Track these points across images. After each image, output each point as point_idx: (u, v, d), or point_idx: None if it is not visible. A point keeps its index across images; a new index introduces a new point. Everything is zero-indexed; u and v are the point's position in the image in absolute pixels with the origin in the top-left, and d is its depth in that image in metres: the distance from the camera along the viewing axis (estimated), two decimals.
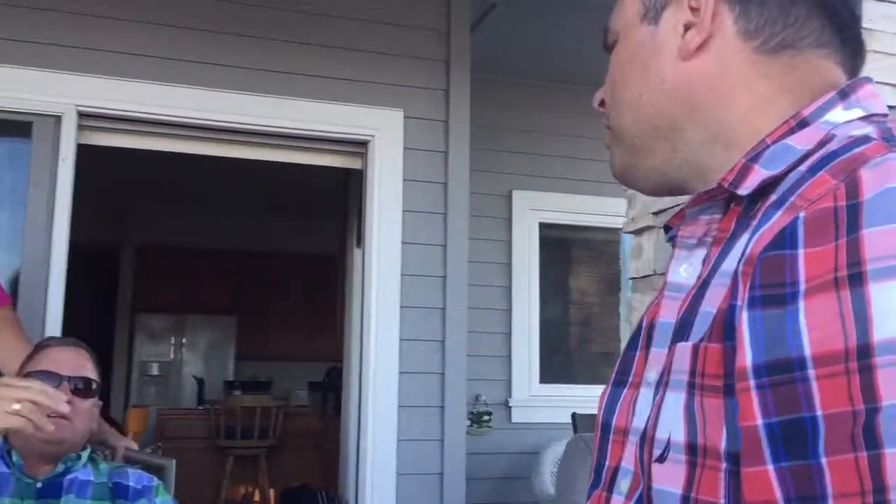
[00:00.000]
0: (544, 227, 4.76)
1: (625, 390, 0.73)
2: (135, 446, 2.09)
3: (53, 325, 2.90)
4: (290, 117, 3.24)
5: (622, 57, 0.78)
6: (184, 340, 7.57)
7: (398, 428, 3.19)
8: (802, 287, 0.53)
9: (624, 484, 0.70)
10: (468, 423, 4.32)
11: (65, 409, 1.45)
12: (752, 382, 0.54)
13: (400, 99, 3.37)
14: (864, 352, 0.50)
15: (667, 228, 0.79)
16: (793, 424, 0.51)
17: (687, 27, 0.72)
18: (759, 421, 0.53)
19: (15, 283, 2.93)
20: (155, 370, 7.37)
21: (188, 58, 3.14)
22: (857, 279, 0.51)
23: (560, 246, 4.99)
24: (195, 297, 7.47)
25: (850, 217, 0.54)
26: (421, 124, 3.40)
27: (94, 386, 1.73)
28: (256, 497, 5.85)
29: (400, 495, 3.16)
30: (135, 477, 1.78)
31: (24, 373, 1.69)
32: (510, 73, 4.58)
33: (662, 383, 0.66)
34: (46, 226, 2.94)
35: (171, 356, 7.51)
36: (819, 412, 0.50)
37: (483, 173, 4.38)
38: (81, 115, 3.03)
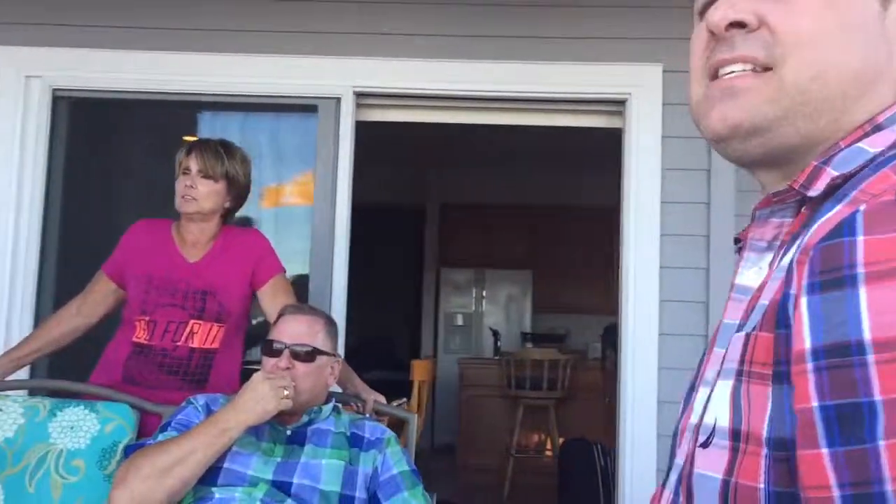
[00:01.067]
0: None
1: (694, 392, 0.75)
2: (383, 400, 2.33)
3: (339, 286, 3.26)
4: (547, 82, 3.30)
5: (835, 10, 0.70)
6: (484, 293, 8.00)
7: (658, 389, 3.17)
8: (862, 270, 0.53)
9: (673, 476, 0.73)
10: None
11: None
12: (809, 365, 0.54)
13: (658, 53, 3.28)
14: None
15: (736, 241, 0.79)
16: (849, 408, 0.52)
17: None
18: (815, 403, 0.53)
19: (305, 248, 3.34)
20: (459, 321, 7.89)
21: (449, 33, 3.32)
22: None
23: None
24: (494, 251, 7.84)
25: None
26: (682, 78, 3.28)
27: (314, 351, 1.96)
28: (548, 446, 6.09)
29: (661, 456, 3.15)
30: (370, 429, 1.99)
31: (263, 340, 2.00)
32: None
33: (717, 374, 0.68)
34: (331, 197, 3.30)
35: (473, 308, 7.98)
36: (878, 397, 0.50)
37: None
38: (358, 94, 3.34)
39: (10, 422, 2.17)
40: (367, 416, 2.25)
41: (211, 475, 1.84)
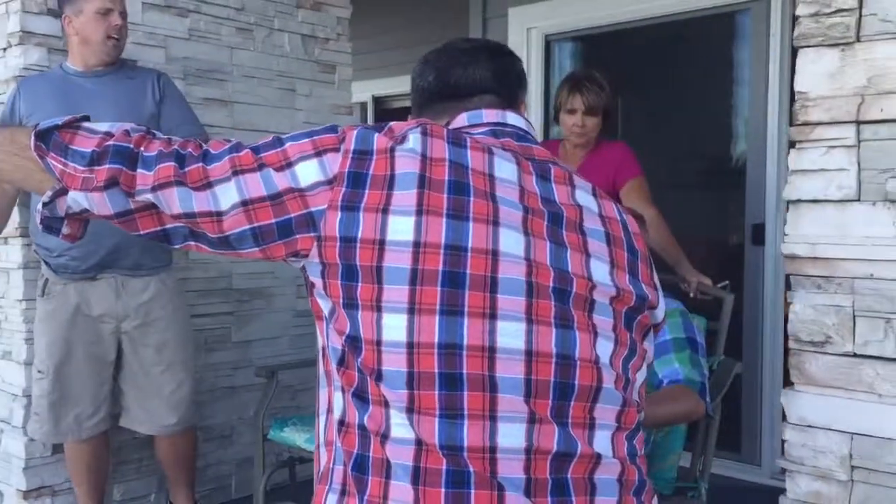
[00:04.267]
0: None
1: None
2: (708, 282, 2.73)
3: (771, 192, 3.55)
4: None
5: None
6: None
7: None
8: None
9: None
10: None
11: None
12: None
13: None
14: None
15: None
16: None
17: None
18: None
19: (722, 151, 3.70)
20: None
21: None
22: None
23: None
24: None
25: None
26: None
27: None
28: None
29: None
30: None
31: None
32: None
33: None
34: (763, 91, 3.59)
35: None
36: None
37: None
38: None
39: None
40: (692, 295, 2.72)
41: None
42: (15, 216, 2.88)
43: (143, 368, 2.80)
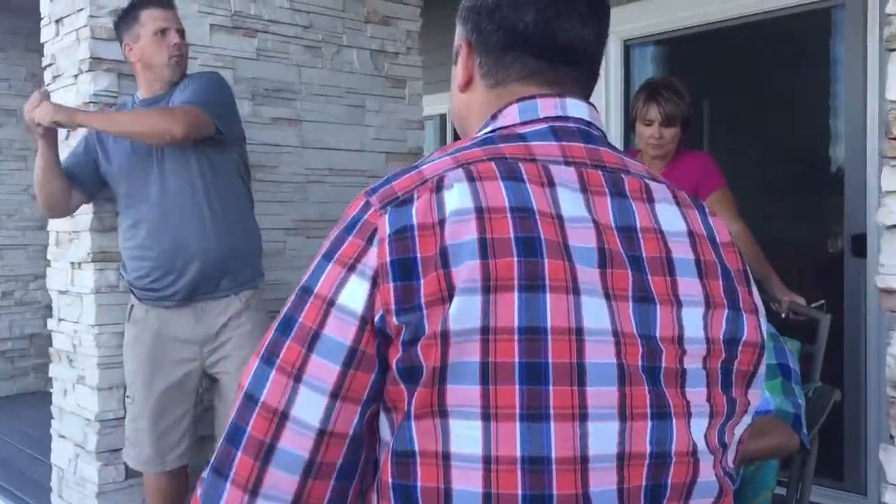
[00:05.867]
0: None
1: None
2: (801, 301, 2.60)
3: (873, 199, 3.38)
4: None
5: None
6: None
7: None
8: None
9: None
10: None
11: None
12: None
13: None
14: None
15: None
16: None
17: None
18: None
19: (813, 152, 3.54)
20: None
21: None
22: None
23: None
24: None
25: None
26: None
27: None
28: None
29: None
30: None
31: None
32: None
33: None
34: (861, 93, 3.43)
35: None
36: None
37: None
38: None
39: None
40: (784, 316, 2.59)
41: None
42: (87, 241, 2.97)
43: (226, 389, 2.81)
